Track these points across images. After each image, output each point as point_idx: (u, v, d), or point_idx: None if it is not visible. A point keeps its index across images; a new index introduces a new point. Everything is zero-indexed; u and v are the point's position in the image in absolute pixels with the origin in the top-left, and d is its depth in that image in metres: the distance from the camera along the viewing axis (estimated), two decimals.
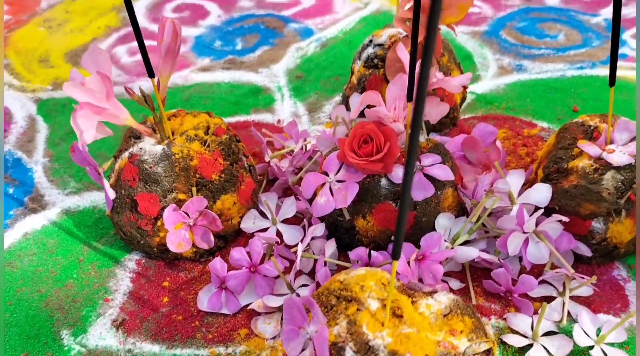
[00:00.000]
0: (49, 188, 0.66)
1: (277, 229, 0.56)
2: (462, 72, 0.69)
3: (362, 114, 0.68)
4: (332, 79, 0.82)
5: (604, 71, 0.78)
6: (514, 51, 0.85)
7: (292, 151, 0.65)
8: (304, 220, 0.57)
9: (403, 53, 0.54)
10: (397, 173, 0.51)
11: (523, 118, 0.72)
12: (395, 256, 0.33)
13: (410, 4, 0.63)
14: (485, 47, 0.86)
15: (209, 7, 1.02)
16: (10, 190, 0.66)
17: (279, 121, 0.75)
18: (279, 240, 0.53)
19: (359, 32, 0.93)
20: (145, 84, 0.83)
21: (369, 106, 0.56)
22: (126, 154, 0.54)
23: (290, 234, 0.56)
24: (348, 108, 0.69)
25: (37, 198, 0.65)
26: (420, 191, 0.51)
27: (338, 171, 0.53)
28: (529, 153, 0.66)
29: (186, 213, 0.52)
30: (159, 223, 0.53)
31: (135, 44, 0.93)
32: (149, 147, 0.53)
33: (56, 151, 0.72)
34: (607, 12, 0.92)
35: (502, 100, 0.75)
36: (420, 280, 0.49)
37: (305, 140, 0.66)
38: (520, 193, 0.54)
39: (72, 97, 0.47)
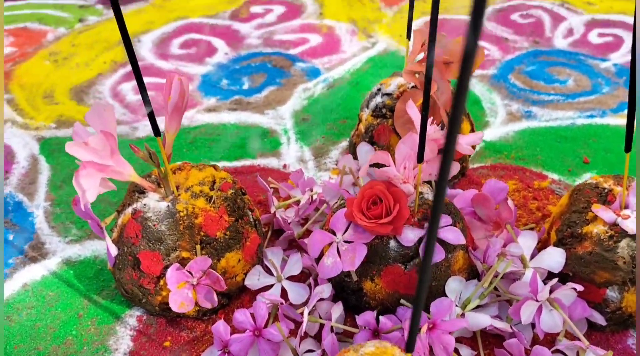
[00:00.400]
0: (50, 236, 0.65)
1: (282, 286, 0.55)
2: (471, 123, 0.68)
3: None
4: (338, 122, 0.81)
5: (615, 120, 0.78)
6: (523, 96, 0.84)
7: (299, 202, 0.64)
8: (310, 278, 0.56)
9: (413, 111, 0.53)
10: (407, 235, 0.50)
11: (533, 168, 0.71)
12: (409, 348, 0.31)
13: (420, 56, 0.63)
14: (493, 91, 0.86)
15: (217, 43, 1.02)
16: (11, 237, 0.65)
17: (284, 166, 0.74)
18: (283, 301, 0.51)
19: (366, 73, 0.92)
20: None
21: (378, 165, 0.54)
22: (130, 210, 0.52)
23: (296, 292, 0.54)
24: (355, 157, 0.68)
25: (37, 246, 0.64)
26: None
27: (346, 230, 0.51)
28: (540, 207, 0.64)
29: (190, 273, 0.51)
30: (161, 282, 0.51)
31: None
32: (153, 204, 0.52)
33: (58, 195, 0.71)
34: (617, 57, 0.92)
35: (512, 149, 0.74)
36: (431, 349, 0.47)
37: (311, 190, 0.65)
38: (533, 255, 0.53)
39: (75, 157, 0.46)
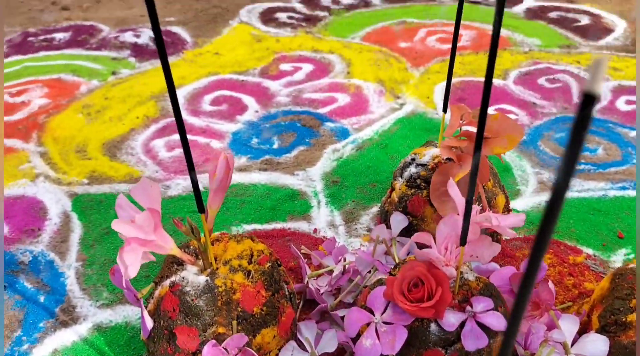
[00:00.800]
0: (81, 299, 0.64)
1: None
2: (506, 195, 0.68)
3: (404, 233, 0.66)
4: (368, 186, 0.82)
5: None
6: (553, 164, 0.84)
7: (331, 271, 0.64)
8: (346, 354, 0.55)
9: (454, 191, 0.53)
10: (448, 319, 0.49)
11: (567, 242, 0.70)
12: None
13: (457, 130, 0.63)
14: (523, 158, 0.86)
15: (247, 100, 1.03)
16: (42, 298, 0.65)
17: (315, 231, 0.74)
18: None
19: (395, 134, 0.93)
20: (183, 183, 0.82)
21: (419, 245, 0.54)
22: (167, 282, 0.52)
23: None
24: (388, 226, 0.67)
25: (68, 309, 0.63)
26: (473, 341, 0.48)
27: (384, 310, 0.51)
28: (576, 284, 0.63)
29: (225, 350, 0.50)
30: None
31: (174, 136, 0.94)
32: (192, 277, 0.52)
33: (89, 254, 0.71)
34: None
35: None
36: None
37: (344, 259, 0.64)
38: (574, 340, 0.52)
39: (120, 233, 0.46)
